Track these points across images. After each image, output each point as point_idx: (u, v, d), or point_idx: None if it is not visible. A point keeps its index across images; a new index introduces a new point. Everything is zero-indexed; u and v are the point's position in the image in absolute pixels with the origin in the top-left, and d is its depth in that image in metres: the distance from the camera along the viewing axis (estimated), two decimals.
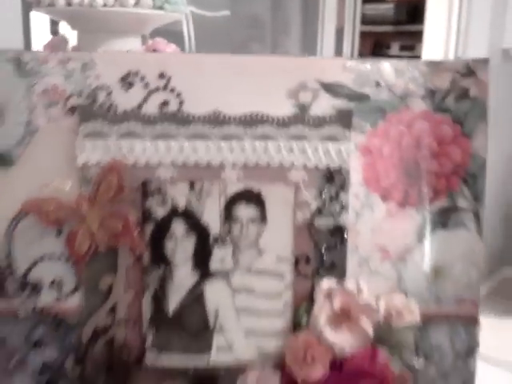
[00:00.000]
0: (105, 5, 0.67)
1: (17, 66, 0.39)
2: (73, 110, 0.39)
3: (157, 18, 0.71)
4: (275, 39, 2.72)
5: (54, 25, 1.06)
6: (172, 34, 0.90)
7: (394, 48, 3.18)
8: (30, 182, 0.39)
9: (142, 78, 0.39)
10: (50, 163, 0.39)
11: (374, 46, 3.27)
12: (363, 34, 2.72)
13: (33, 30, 0.98)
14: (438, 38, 1.94)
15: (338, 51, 2.40)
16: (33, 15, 0.99)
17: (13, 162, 0.40)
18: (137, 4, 0.68)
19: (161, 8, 0.69)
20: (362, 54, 2.59)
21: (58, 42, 0.73)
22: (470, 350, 0.43)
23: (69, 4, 0.66)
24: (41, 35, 0.98)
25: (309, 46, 2.43)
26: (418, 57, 2.15)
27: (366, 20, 2.71)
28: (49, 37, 0.98)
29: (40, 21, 0.99)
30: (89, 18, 0.69)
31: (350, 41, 2.43)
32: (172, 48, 0.73)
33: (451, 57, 1.91)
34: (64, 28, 0.86)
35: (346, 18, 2.54)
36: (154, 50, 0.69)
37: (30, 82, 0.39)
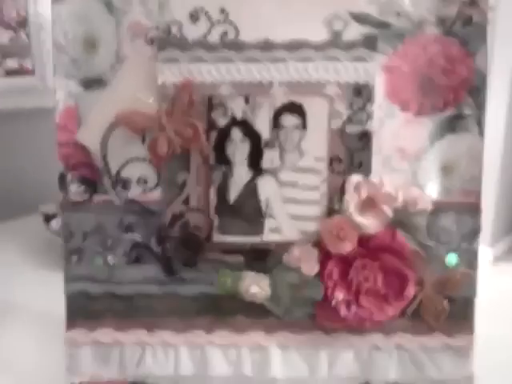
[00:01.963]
0: None
1: (107, 6, 0.49)
2: (152, 41, 0.49)
3: None
4: None
5: None
6: None
7: None
8: (120, 99, 0.50)
9: (206, 13, 0.49)
10: (135, 84, 0.50)
11: None
12: None
13: None
14: None
15: None
16: None
17: (106, 84, 0.50)
18: None
19: None
20: None
21: None
22: (474, 233, 0.52)
23: None
24: None
25: None
26: None
27: None
28: None
29: None
30: None
31: None
32: None
33: None
34: None
35: None
36: None
37: (119, 19, 0.49)
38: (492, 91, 1.84)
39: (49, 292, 0.77)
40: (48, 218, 0.90)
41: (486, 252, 1.92)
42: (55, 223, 0.87)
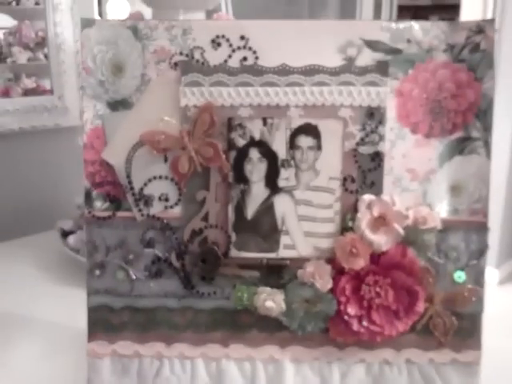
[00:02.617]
0: None
1: (134, 32, 0.52)
2: (176, 65, 0.52)
3: None
4: (312, 15, 2.79)
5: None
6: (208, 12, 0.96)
7: (433, 19, 3.20)
8: (145, 120, 0.53)
9: (227, 40, 0.52)
10: (159, 106, 0.53)
11: (413, 19, 3.28)
12: (402, 8, 2.75)
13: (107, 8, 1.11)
14: (474, 12, 1.99)
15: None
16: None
17: (132, 106, 0.53)
18: None
19: None
20: None
21: (136, 17, 0.85)
22: (481, 251, 0.54)
23: None
24: (114, 12, 1.12)
25: (347, 17, 2.50)
26: None
27: None
28: (120, 13, 1.12)
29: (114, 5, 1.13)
30: None
31: (388, 14, 2.48)
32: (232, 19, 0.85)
33: None
34: (137, 5, 0.98)
35: None
36: None
37: (144, 44, 0.52)
38: (497, 114, 1.88)
39: (65, 306, 0.79)
40: (65, 234, 0.93)
41: (492, 273, 1.92)
42: (72, 239, 0.90)
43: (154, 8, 0.86)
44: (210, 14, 0.87)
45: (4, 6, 1.22)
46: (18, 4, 1.25)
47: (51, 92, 1.18)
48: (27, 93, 1.25)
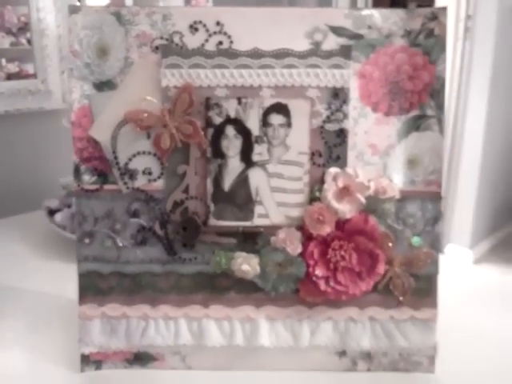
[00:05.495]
0: None
1: (117, 17, 0.57)
2: (157, 48, 0.57)
3: None
4: (292, 5, 2.82)
5: None
6: None
7: (411, 7, 3.24)
8: (129, 100, 0.57)
9: (204, 25, 0.56)
10: (142, 86, 0.57)
11: (391, 5, 3.34)
12: None
13: None
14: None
15: (353, 5, 2.50)
16: None
17: (116, 86, 0.58)
18: None
19: None
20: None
21: (117, 2, 0.89)
22: (436, 218, 0.60)
23: None
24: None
25: (324, 4, 2.54)
26: None
27: None
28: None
29: None
30: None
31: (364, 2, 2.53)
32: (210, 6, 0.89)
33: (462, 15, 2.02)
34: None
35: None
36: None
37: (127, 29, 0.57)
38: (471, 98, 1.94)
39: (53, 279, 0.84)
40: (52, 212, 0.97)
41: (466, 254, 2.02)
42: (59, 217, 0.94)
43: None
44: (188, 1, 0.91)
45: None
46: None
47: (35, 76, 1.21)
48: (10, 77, 1.28)
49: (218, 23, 0.56)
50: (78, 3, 1.16)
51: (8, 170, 1.16)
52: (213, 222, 0.59)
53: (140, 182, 0.59)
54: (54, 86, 1.20)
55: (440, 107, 0.58)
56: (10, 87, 1.16)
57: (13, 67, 1.30)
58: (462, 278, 0.91)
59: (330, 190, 0.58)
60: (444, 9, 0.56)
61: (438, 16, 0.57)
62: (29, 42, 1.30)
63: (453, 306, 0.74)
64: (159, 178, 0.59)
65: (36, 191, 1.12)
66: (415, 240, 0.60)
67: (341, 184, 0.58)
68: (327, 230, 0.58)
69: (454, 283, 0.87)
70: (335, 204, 0.57)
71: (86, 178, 0.59)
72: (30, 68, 1.28)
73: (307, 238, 0.58)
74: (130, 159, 0.58)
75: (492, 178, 2.12)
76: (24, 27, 1.31)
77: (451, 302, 0.74)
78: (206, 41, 0.57)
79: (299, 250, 0.58)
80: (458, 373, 0.62)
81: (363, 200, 0.57)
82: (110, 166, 0.59)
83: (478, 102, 1.94)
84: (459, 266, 0.98)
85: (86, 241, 0.59)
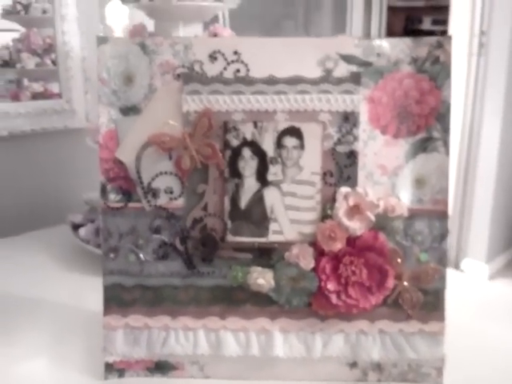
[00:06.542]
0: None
1: (142, 48, 0.61)
2: (179, 76, 0.61)
3: (216, 8, 0.92)
4: (307, 16, 2.87)
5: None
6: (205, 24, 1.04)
7: (426, 22, 3.27)
8: (152, 124, 0.61)
9: (223, 55, 0.60)
10: (164, 111, 0.61)
11: (406, 21, 3.36)
12: (394, 9, 2.80)
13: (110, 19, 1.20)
14: (463, 13, 2.07)
15: (367, 26, 2.54)
16: (109, 6, 1.20)
17: (141, 111, 0.62)
18: None
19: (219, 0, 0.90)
20: (393, 29, 2.70)
21: (139, 29, 0.94)
22: (443, 235, 0.63)
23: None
24: (117, 23, 1.20)
25: (339, 22, 2.58)
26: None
27: None
28: (122, 23, 1.20)
29: (115, 11, 1.21)
30: (164, 9, 0.90)
31: (378, 16, 2.56)
32: (228, 32, 0.93)
33: (476, 31, 2.04)
34: (139, 16, 1.07)
35: None
36: (215, 34, 0.90)
37: (151, 58, 0.61)
38: (486, 116, 1.95)
39: (77, 291, 0.87)
40: (75, 227, 1.01)
41: (482, 268, 2.01)
42: (83, 231, 0.98)
43: (156, 19, 0.94)
44: (207, 26, 0.96)
45: (13, 14, 1.31)
46: (26, 13, 1.33)
47: (59, 96, 1.26)
48: (36, 96, 1.33)
49: (235, 52, 0.60)
50: (101, 27, 1.21)
51: (34, 185, 1.21)
52: (230, 238, 0.62)
53: (162, 200, 0.62)
54: (78, 106, 1.25)
55: (446, 130, 0.61)
56: (36, 107, 1.22)
57: (38, 87, 1.36)
58: (478, 293, 0.93)
59: (341, 208, 0.61)
60: (449, 37, 0.59)
61: (443, 44, 0.60)
62: (53, 62, 1.35)
63: (465, 319, 0.77)
64: (180, 196, 0.62)
65: (60, 206, 1.16)
66: (423, 256, 0.62)
67: (351, 203, 0.61)
68: (338, 246, 0.61)
69: (469, 297, 0.89)
70: (346, 221, 0.61)
71: (112, 196, 0.63)
72: (54, 88, 1.34)
73: (319, 253, 0.62)
74: (152, 179, 0.62)
75: (508, 192, 2.12)
76: (49, 48, 1.37)
77: (464, 316, 0.77)
78: (225, 69, 0.61)
79: (312, 265, 0.61)
80: (465, 383, 0.65)
81: (373, 218, 0.60)
82: (135, 186, 0.63)
83: (493, 117, 1.94)
84: (475, 281, 1.00)
85: (111, 255, 0.63)
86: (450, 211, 1.72)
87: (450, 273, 0.64)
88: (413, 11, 3.18)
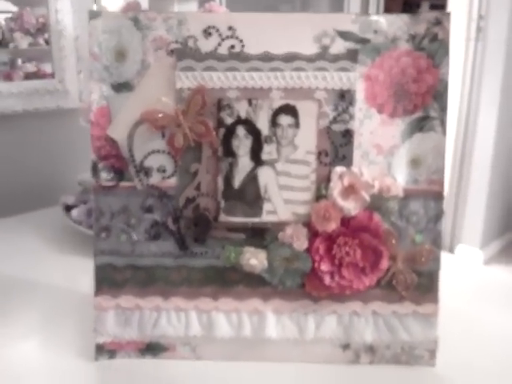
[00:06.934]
0: None
1: (135, 22, 0.59)
2: (172, 52, 0.59)
3: None
4: (304, 2, 2.84)
5: None
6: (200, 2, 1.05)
7: (424, 7, 3.25)
8: (145, 101, 0.60)
9: (217, 30, 0.59)
10: (157, 88, 0.60)
11: (404, 5, 3.34)
12: None
13: None
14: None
15: (365, 11, 2.52)
16: None
17: (133, 88, 0.60)
18: None
19: None
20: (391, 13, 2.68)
21: (133, 6, 0.92)
22: (438, 216, 0.62)
23: None
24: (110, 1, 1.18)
25: (336, 7, 2.55)
26: None
27: None
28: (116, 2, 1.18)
29: None
30: None
31: (375, 4, 2.54)
32: (223, 9, 0.91)
33: (475, 15, 2.03)
34: None
35: None
36: (210, 11, 0.88)
37: (144, 33, 0.59)
38: (483, 102, 1.95)
39: (69, 272, 0.87)
40: (68, 208, 1.00)
41: (476, 254, 2.02)
42: (75, 212, 0.97)
43: None
44: (202, 4, 0.94)
45: None
46: None
47: (52, 76, 1.25)
48: (28, 76, 1.31)
49: (230, 28, 0.59)
50: (94, 6, 1.19)
51: (26, 167, 1.20)
52: (223, 218, 0.61)
53: (154, 179, 0.61)
54: (70, 86, 1.23)
55: (443, 109, 0.60)
56: (28, 86, 1.20)
57: (31, 67, 1.34)
58: (472, 278, 0.93)
59: (335, 188, 0.60)
60: (448, 14, 0.58)
61: (441, 21, 0.59)
62: (46, 42, 1.33)
63: (459, 303, 0.77)
64: (173, 175, 0.61)
65: (53, 188, 1.15)
66: (418, 237, 0.62)
67: (346, 182, 0.60)
68: (333, 226, 0.60)
69: (463, 282, 0.88)
70: (341, 202, 0.60)
71: (104, 175, 0.61)
72: (47, 68, 1.32)
73: (313, 234, 0.61)
74: (145, 157, 0.61)
75: (503, 178, 2.13)
76: (42, 28, 1.35)
77: (458, 300, 0.76)
78: (219, 45, 0.59)
79: (305, 245, 0.61)
80: (457, 366, 0.64)
81: (368, 198, 0.60)
82: (127, 164, 0.61)
83: (490, 101, 1.94)
84: (469, 266, 1.00)
85: (103, 235, 0.62)
86: (445, 197, 1.73)
87: (444, 257, 0.63)
88: None
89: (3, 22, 1.33)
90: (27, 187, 1.17)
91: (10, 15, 1.35)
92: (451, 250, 2.12)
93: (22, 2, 1.31)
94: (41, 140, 1.21)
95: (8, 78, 1.28)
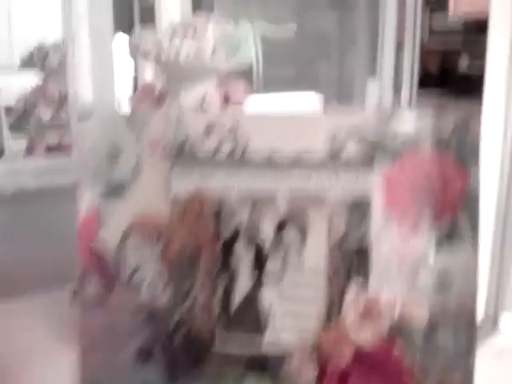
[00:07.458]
0: (187, 57, 0.82)
1: (130, 122, 0.54)
2: (168, 154, 0.54)
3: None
4: (341, 55, 2.81)
5: None
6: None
7: (464, 59, 3.16)
8: (138, 207, 0.54)
9: (218, 131, 0.53)
10: (151, 193, 0.54)
11: (442, 58, 3.26)
12: (430, 52, 2.72)
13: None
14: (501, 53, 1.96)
15: (399, 67, 2.45)
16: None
17: (125, 192, 0.55)
18: (213, 55, 0.82)
19: (233, 57, 0.83)
20: (429, 70, 2.61)
21: (148, 89, 0.88)
22: (469, 351, 0.52)
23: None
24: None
25: (369, 63, 2.49)
26: None
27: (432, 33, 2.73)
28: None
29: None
30: (176, 67, 0.84)
31: (411, 59, 2.47)
32: (241, 86, 0.86)
33: None
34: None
35: (406, 32, 2.55)
36: (227, 93, 0.83)
37: (138, 136, 0.54)
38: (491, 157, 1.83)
39: None
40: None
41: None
42: None
43: (168, 76, 0.89)
44: (221, 82, 0.89)
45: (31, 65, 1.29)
46: (43, 63, 1.32)
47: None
48: (50, 149, 1.30)
49: (232, 128, 0.53)
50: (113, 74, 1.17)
51: (47, 243, 1.16)
52: (218, 347, 0.53)
53: (143, 296, 0.55)
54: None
55: (474, 223, 0.52)
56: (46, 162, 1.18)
57: (53, 138, 1.33)
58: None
59: (348, 314, 0.52)
60: (478, 113, 0.51)
61: (469, 123, 0.51)
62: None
63: None
64: (163, 293, 0.55)
65: (67, 266, 1.10)
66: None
67: (361, 307, 0.52)
68: (343, 363, 0.51)
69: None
70: (354, 331, 0.51)
71: (90, 289, 0.55)
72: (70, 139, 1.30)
73: (321, 369, 0.52)
74: (134, 271, 0.55)
75: None
76: (63, 100, 1.34)
77: None
78: (219, 148, 0.53)
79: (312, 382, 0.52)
80: None
81: (386, 326, 0.51)
82: (114, 279, 0.55)
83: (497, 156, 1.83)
84: None
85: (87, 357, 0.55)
86: (488, 261, 1.60)
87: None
88: (448, 54, 3.09)
89: (26, 94, 1.33)
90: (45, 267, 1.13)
91: (33, 85, 1.35)
92: (495, 321, 1.96)
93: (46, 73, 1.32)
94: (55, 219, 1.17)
95: (29, 151, 1.28)
